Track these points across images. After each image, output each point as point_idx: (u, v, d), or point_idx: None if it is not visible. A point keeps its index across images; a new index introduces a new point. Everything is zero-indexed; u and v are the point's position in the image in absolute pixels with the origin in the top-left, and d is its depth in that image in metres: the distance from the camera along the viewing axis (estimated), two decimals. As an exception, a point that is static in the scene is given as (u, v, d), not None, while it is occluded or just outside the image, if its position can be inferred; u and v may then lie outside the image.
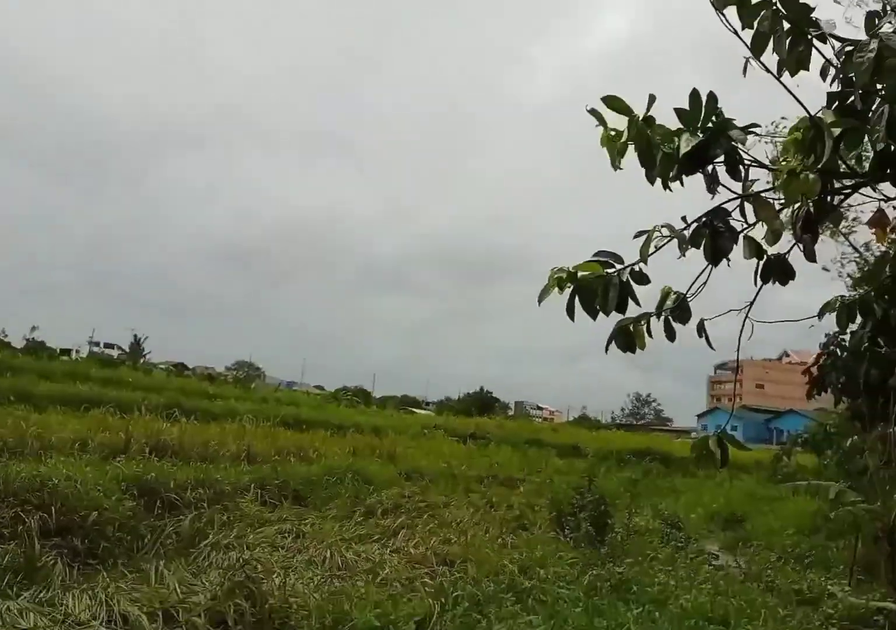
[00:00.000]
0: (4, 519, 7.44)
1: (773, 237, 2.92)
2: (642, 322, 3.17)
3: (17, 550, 6.82)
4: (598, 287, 2.85)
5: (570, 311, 2.94)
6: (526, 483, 18.48)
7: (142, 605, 6.03)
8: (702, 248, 2.97)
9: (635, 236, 2.97)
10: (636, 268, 3.01)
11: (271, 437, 17.54)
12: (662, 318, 3.23)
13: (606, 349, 3.21)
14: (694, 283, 3.22)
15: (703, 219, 2.99)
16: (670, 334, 3.23)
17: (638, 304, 3.11)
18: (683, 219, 3.02)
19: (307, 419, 23.55)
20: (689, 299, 3.21)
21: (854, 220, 16.93)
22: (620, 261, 3.01)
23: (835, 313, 4.02)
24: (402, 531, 11.08)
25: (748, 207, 3.02)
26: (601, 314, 2.97)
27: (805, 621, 9.83)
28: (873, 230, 3.70)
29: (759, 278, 3.26)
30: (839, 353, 14.35)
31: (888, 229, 3.67)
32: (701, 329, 3.33)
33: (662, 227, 2.92)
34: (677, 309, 3.19)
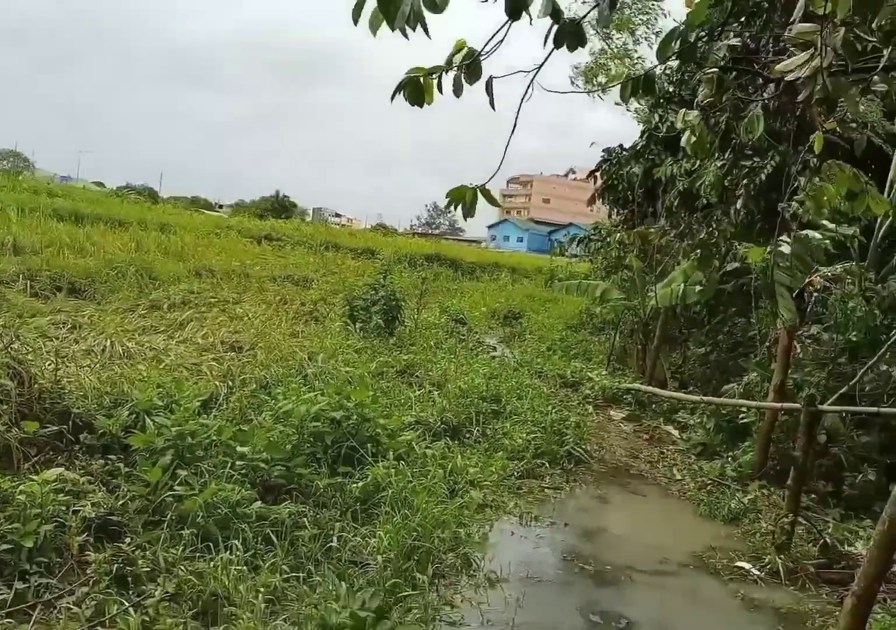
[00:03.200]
0: None
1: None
2: (433, 75, 3.04)
3: None
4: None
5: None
6: (320, 282, 18.54)
7: None
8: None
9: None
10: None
11: (42, 229, 16.03)
12: (453, 73, 3.12)
13: (392, 98, 3.10)
14: (490, 40, 3.08)
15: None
16: (458, 89, 3.14)
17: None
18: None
19: (84, 213, 21.62)
20: (482, 57, 3.09)
21: None
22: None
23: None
24: (189, 324, 10.81)
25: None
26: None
27: (566, 399, 11.08)
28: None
29: (552, 42, 3.19)
30: (617, 162, 15.30)
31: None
32: (489, 88, 3.23)
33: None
34: (470, 65, 3.07)
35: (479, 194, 3.29)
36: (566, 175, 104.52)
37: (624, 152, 15.15)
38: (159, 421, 5.60)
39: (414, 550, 5.24)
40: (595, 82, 18.97)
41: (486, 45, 3.11)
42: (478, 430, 8.45)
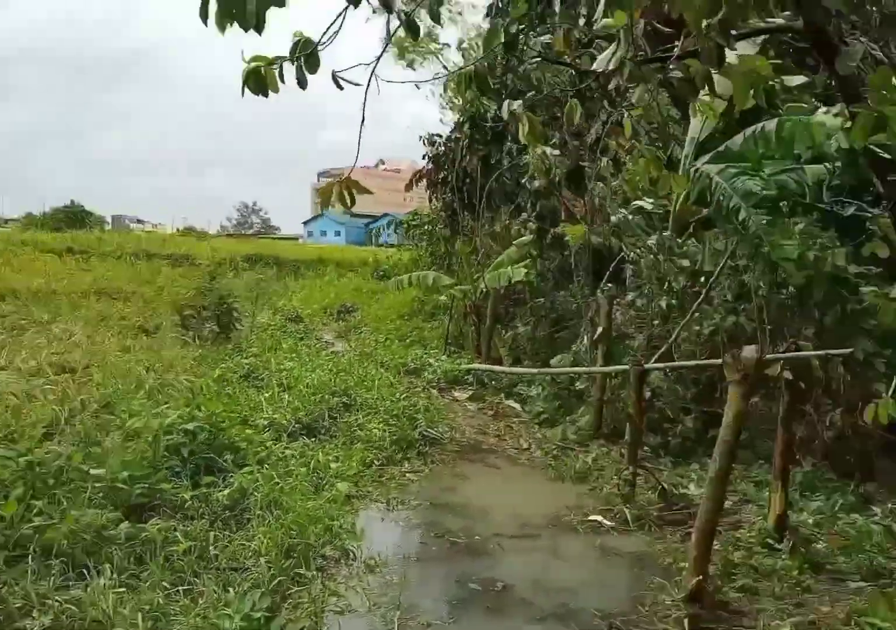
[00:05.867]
0: None
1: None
2: (275, 65, 3.14)
3: None
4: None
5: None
6: (138, 295, 17.67)
7: None
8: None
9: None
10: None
11: None
12: (296, 64, 3.22)
13: (242, 92, 3.18)
14: (327, 29, 3.20)
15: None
16: (302, 82, 3.25)
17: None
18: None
19: None
20: (320, 48, 3.20)
21: None
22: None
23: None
24: (3, 349, 10.01)
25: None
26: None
27: (411, 386, 11.35)
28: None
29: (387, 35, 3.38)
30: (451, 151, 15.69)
31: None
32: (335, 79, 3.35)
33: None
34: (309, 56, 3.18)
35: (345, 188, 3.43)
36: (376, 166, 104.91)
37: (451, 142, 15.51)
38: (2, 452, 5.24)
39: (292, 548, 5.27)
40: (406, 58, 19.35)
41: (323, 36, 3.23)
42: (332, 426, 8.52)
